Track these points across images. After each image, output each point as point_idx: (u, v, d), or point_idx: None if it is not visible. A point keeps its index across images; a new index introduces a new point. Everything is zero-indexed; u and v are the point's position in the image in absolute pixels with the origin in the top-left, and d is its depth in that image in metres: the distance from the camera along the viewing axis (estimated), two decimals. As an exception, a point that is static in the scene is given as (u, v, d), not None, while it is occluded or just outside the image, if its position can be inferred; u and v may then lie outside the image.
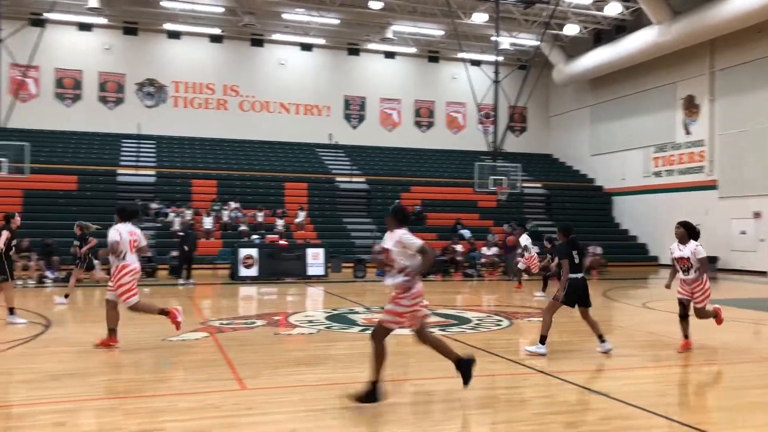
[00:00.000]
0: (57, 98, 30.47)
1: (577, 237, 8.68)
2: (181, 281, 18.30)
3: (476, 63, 33.50)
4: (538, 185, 32.79)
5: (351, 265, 22.23)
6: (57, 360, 7.81)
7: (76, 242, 14.53)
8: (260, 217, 26.09)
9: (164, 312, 8.66)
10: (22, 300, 14.28)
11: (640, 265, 27.79)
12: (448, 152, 35.02)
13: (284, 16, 30.47)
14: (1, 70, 22.38)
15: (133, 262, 8.65)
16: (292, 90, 33.60)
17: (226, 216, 25.95)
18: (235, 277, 19.76)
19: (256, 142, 32.56)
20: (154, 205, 25.69)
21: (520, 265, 17.52)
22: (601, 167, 33.53)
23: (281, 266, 20.18)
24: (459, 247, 23.19)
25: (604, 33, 31.28)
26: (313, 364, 7.67)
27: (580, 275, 8.35)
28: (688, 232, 8.59)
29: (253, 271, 19.80)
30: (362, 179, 30.97)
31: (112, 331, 8.61)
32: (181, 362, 7.73)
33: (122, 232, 8.58)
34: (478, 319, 11.65)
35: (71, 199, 25.43)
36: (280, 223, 25.76)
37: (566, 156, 36.37)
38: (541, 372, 7.36)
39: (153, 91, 31.85)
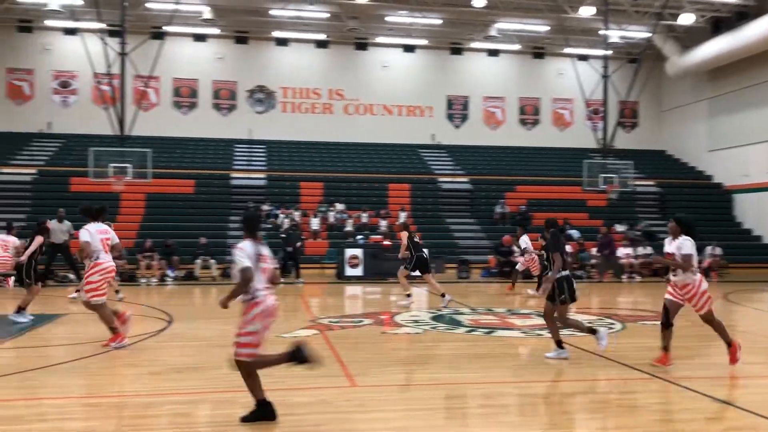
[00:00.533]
0: (175, 106, 32.30)
1: (558, 231, 8.51)
2: (282, 280, 18.84)
3: (584, 58, 32.47)
4: (651, 183, 31.36)
5: (454, 265, 22.16)
6: (179, 354, 8.28)
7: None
8: (364, 217, 26.50)
9: (113, 329, 8.47)
10: (147, 297, 15.25)
11: (766, 267, 25.97)
12: (555, 150, 34.17)
13: (387, 18, 30.80)
14: (126, 81, 23.88)
15: (106, 260, 8.49)
16: (395, 92, 33.91)
17: (332, 217, 26.56)
18: (341, 277, 20.19)
19: (360, 145, 33.10)
20: (265, 207, 26.66)
21: (519, 266, 17.19)
22: (720, 163, 31.61)
23: (385, 266, 20.41)
24: (567, 248, 22.59)
25: (724, 21, 29.46)
26: (420, 364, 7.72)
27: (567, 272, 8.23)
28: (681, 226, 7.65)
29: (359, 271, 20.16)
30: (465, 179, 30.80)
31: (112, 330, 8.54)
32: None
33: (92, 232, 8.43)
34: (589, 322, 11.29)
35: (189, 201, 26.86)
36: (383, 223, 26.07)
37: (681, 152, 34.56)
38: (658, 377, 7.05)
39: (263, 97, 33.09)
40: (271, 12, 29.77)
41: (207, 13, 28.65)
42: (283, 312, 13.02)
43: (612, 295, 16.82)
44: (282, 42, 32.88)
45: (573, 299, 8.21)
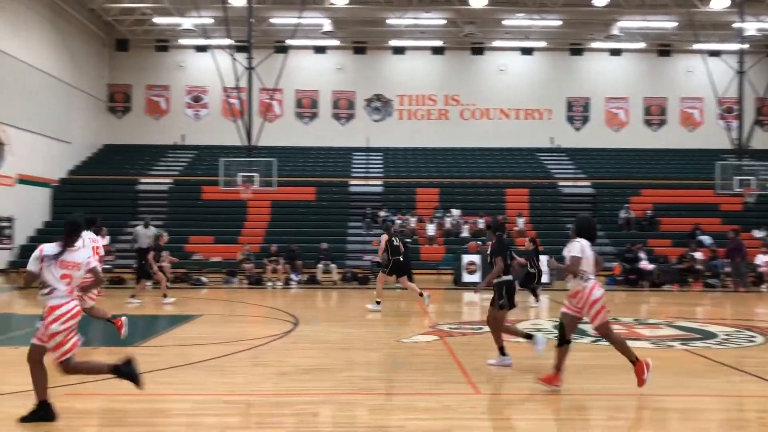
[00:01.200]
0: (297, 117, 33.57)
1: (503, 234, 8.15)
2: (399, 285, 18.91)
3: (715, 53, 30.56)
4: (794, 185, 29.00)
5: (576, 272, 21.46)
6: (306, 355, 8.59)
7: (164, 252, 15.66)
8: (481, 223, 26.28)
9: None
10: (273, 300, 15.92)
11: None
12: (684, 151, 32.40)
13: (504, 22, 30.48)
14: (252, 94, 25.10)
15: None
16: (512, 95, 33.48)
17: (448, 223, 26.57)
18: (458, 283, 20.12)
19: (476, 150, 32.90)
20: (382, 213, 27.11)
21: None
22: None
23: (504, 273, 20.13)
24: (698, 255, 21.32)
25: None
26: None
27: (511, 277, 7.95)
28: (577, 229, 6.90)
29: (476, 277, 19.99)
30: (587, 183, 29.84)
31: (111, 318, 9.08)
32: (415, 363, 8.08)
33: (86, 241, 8.71)
34: (726, 334, 10.63)
35: (310, 208, 27.80)
36: (501, 229, 25.73)
37: (829, 151, 31.76)
38: (808, 397, 6.53)
39: (380, 105, 33.69)
40: (389, 21, 30.30)
41: (327, 25, 29.63)
42: (401, 317, 13.22)
43: (749, 306, 15.70)
44: (399, 50, 33.35)
45: (512, 306, 7.94)
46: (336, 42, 32.52)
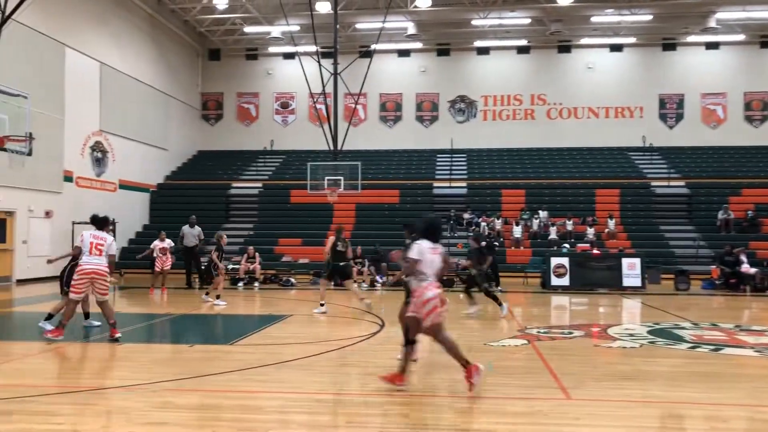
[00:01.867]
0: (381, 120, 33.89)
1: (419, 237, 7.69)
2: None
3: (824, 43, 28.69)
4: None
5: (671, 276, 20.64)
6: (392, 356, 8.59)
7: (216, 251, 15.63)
8: (569, 225, 25.68)
9: (61, 323, 9.31)
10: (359, 301, 16.08)
11: None
12: (789, 148, 30.55)
13: (593, 19, 29.69)
14: (338, 99, 25.53)
15: (86, 263, 9.30)
16: (601, 93, 32.55)
17: (534, 225, 26.10)
18: (546, 286, 19.73)
19: (564, 150, 32.19)
20: (466, 216, 26.96)
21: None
22: None
23: (594, 276, 19.61)
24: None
25: None
26: (638, 380, 7.32)
27: None
28: (419, 229, 6.91)
29: (565, 281, 19.55)
30: (681, 183, 28.61)
31: (113, 325, 9.43)
32: (504, 367, 7.98)
33: (85, 236, 9.44)
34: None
35: (394, 211, 27.96)
36: (590, 231, 25.06)
37: None
38: None
39: (464, 107, 33.52)
40: (473, 22, 30.13)
41: (411, 28, 29.79)
42: (488, 321, 13.07)
43: None
44: (483, 51, 33.10)
45: None
46: (419, 45, 32.62)
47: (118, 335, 9.40)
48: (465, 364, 6.60)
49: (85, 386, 6.90)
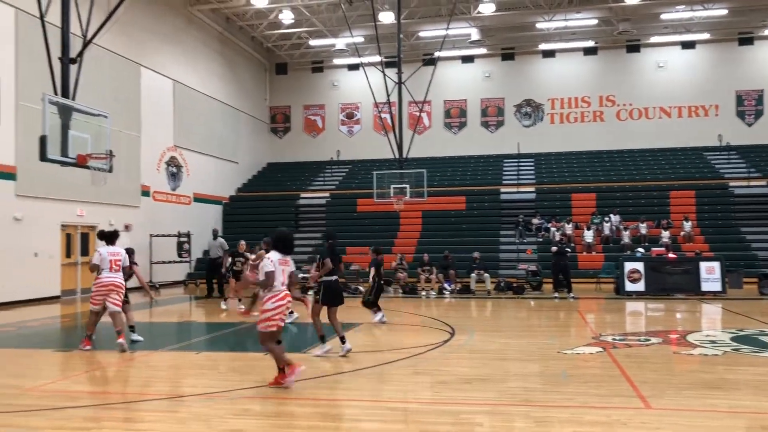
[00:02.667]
0: (446, 127, 33.84)
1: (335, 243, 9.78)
2: (557, 295, 18.37)
3: None
4: None
5: (754, 280, 19.74)
6: (464, 365, 8.61)
7: (239, 258, 15.68)
8: (643, 228, 24.94)
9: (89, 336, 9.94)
10: (427, 309, 16.10)
11: None
12: None
13: (663, 16, 28.85)
14: (403, 108, 25.64)
15: (105, 277, 9.82)
16: (672, 92, 31.55)
17: (606, 229, 25.47)
18: (620, 292, 19.19)
19: (635, 151, 31.33)
20: (535, 221, 26.56)
21: None
22: None
23: (670, 281, 18.94)
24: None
25: None
26: (723, 389, 7.05)
27: (334, 278, 9.43)
28: (272, 242, 7.56)
29: (640, 286, 18.97)
30: (763, 182, 27.37)
31: (89, 337, 9.94)
32: (579, 375, 7.82)
33: (103, 253, 9.88)
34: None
35: (461, 217, 27.83)
36: (665, 234, 24.27)
37: None
38: None
39: (530, 110, 33.10)
40: (538, 25, 29.78)
41: (475, 34, 29.67)
42: (561, 327, 12.86)
43: None
44: (548, 54, 32.65)
45: (331, 303, 9.39)
46: (483, 50, 32.45)
47: (120, 340, 9.68)
48: (283, 367, 7.19)
49: (166, 394, 7.17)
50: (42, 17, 12.71)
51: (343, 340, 9.25)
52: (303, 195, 31.06)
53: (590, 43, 31.92)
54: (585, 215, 26.68)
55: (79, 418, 6.21)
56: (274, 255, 7.27)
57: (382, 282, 14.31)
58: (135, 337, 10.51)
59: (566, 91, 32.63)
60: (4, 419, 6.12)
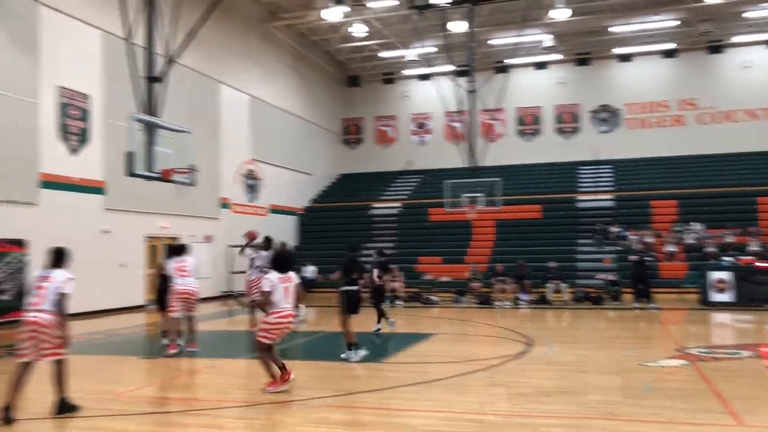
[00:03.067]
0: (519, 135, 33.41)
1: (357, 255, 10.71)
2: (637, 305, 17.78)
3: None
4: None
5: None
6: (543, 377, 8.45)
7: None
8: (729, 236, 23.83)
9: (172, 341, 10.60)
10: (503, 319, 15.90)
11: None
12: None
13: (746, 14, 27.60)
14: (475, 116, 25.50)
15: (178, 285, 10.53)
16: (760, 93, 30.08)
17: (689, 237, 24.48)
18: (706, 303, 18.40)
19: (719, 156, 30.01)
20: (613, 229, 25.82)
21: None
22: None
23: (761, 291, 18.00)
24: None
25: None
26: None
27: (355, 288, 10.15)
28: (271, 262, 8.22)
29: (727, 297, 18.11)
30: None
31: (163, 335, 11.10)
32: (664, 389, 7.55)
33: (171, 265, 10.67)
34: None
35: (536, 226, 27.34)
36: (753, 242, 23.10)
37: None
38: None
39: (606, 116, 32.29)
40: (613, 29, 29.08)
41: (548, 40, 29.24)
42: (642, 339, 12.44)
43: None
44: (625, 58, 31.83)
45: (351, 311, 9.95)
46: (557, 56, 31.91)
47: (171, 350, 10.50)
48: (275, 374, 7.61)
49: (246, 401, 7.35)
50: (128, 39, 13.36)
51: (349, 347, 9.73)
52: (375, 205, 31.29)
53: (669, 46, 30.89)
54: (666, 223, 25.74)
55: (164, 423, 6.45)
56: (273, 275, 7.72)
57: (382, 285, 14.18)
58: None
59: (644, 95, 31.66)
60: (97, 423, 6.43)
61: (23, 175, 16.13)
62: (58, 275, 6.71)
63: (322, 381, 8.40)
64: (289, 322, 7.72)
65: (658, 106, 31.53)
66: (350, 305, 9.95)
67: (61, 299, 6.58)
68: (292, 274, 7.83)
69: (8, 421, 6.28)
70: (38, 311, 6.55)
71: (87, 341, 12.83)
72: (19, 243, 15.83)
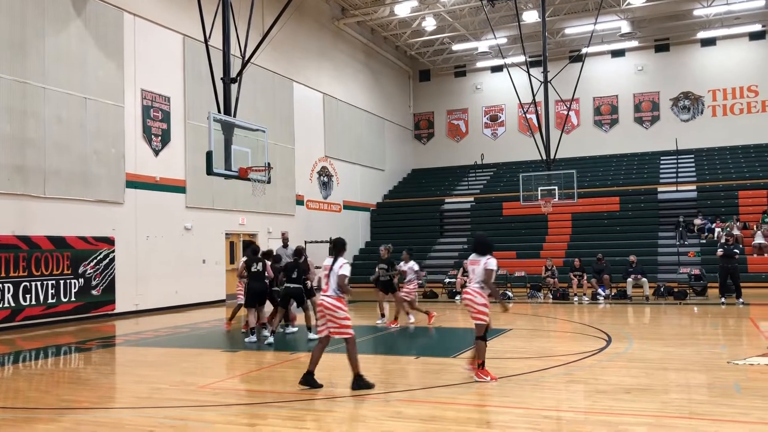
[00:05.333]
0: (596, 125, 32.53)
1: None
2: (723, 300, 17.01)
3: None
4: None
5: None
6: (623, 374, 8.22)
7: (382, 266, 14.17)
8: (826, 228, 22.47)
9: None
10: (580, 315, 15.55)
11: None
12: None
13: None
14: (550, 107, 24.96)
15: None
16: None
17: (781, 229, 23.22)
18: (799, 298, 17.45)
19: (814, 143, 28.36)
20: (697, 221, 24.81)
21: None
22: None
23: None
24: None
25: None
26: None
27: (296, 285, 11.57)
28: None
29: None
30: None
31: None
32: (754, 388, 7.21)
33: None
34: None
35: (614, 219, 26.59)
36: None
37: None
38: None
39: (688, 104, 31.01)
40: (695, 12, 27.89)
41: (625, 27, 28.32)
42: (730, 336, 11.90)
43: None
44: (708, 42, 30.48)
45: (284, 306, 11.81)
46: (635, 43, 30.85)
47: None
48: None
49: (323, 394, 7.48)
50: (206, 42, 13.78)
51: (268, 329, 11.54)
52: (447, 200, 31.15)
53: (757, 27, 29.32)
54: (755, 214, 24.52)
55: (247, 414, 6.65)
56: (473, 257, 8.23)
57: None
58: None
59: (729, 80, 30.22)
60: (182, 413, 6.69)
61: (111, 175, 16.93)
62: (338, 263, 7.69)
63: (397, 375, 8.45)
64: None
65: (744, 91, 30.03)
66: (284, 300, 11.62)
67: (341, 282, 7.59)
68: (481, 258, 8.16)
69: (311, 384, 7.62)
70: (326, 296, 7.62)
71: (172, 334, 13.37)
72: (107, 240, 16.62)
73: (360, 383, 7.46)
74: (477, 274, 8.10)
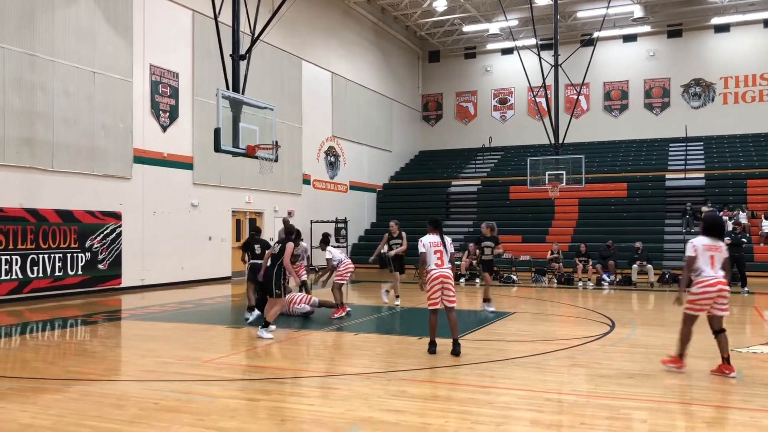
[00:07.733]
0: (605, 110, 32.32)
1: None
2: (729, 289, 16.98)
3: None
4: None
5: None
6: (627, 359, 8.24)
7: (396, 241, 14.00)
8: (835, 219, 22.35)
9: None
10: (584, 300, 15.57)
11: None
12: None
13: None
14: (560, 91, 24.80)
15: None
16: None
17: (789, 218, 23.12)
18: (805, 288, 17.41)
19: (825, 132, 28.13)
20: (704, 209, 24.69)
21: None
22: None
23: None
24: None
25: None
26: None
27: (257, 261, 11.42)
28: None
29: (830, 282, 17.07)
30: None
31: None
32: (756, 376, 7.22)
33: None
34: None
35: (621, 205, 26.53)
36: None
37: None
38: None
39: (699, 90, 30.76)
40: (709, -2, 27.53)
41: (638, 11, 28.07)
42: (734, 324, 11.90)
43: None
44: (721, 28, 30.14)
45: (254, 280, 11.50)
46: (647, 27, 30.56)
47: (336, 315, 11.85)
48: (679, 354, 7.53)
49: (327, 372, 7.54)
50: (216, 18, 13.71)
51: (250, 309, 11.64)
52: (454, 183, 31.10)
53: (771, 14, 29.02)
54: (763, 203, 24.41)
55: (250, 390, 6.71)
56: (701, 239, 7.60)
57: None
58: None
59: (742, 68, 29.94)
60: (187, 387, 6.76)
61: (119, 151, 16.95)
62: (448, 240, 8.56)
63: (400, 355, 8.50)
64: (719, 291, 7.46)
65: (757, 79, 29.76)
66: (253, 274, 11.57)
67: (451, 257, 8.48)
68: (720, 242, 7.65)
69: (434, 352, 8.36)
70: (446, 269, 8.34)
71: (178, 310, 13.46)
72: (114, 215, 16.69)
73: (458, 350, 8.27)
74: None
